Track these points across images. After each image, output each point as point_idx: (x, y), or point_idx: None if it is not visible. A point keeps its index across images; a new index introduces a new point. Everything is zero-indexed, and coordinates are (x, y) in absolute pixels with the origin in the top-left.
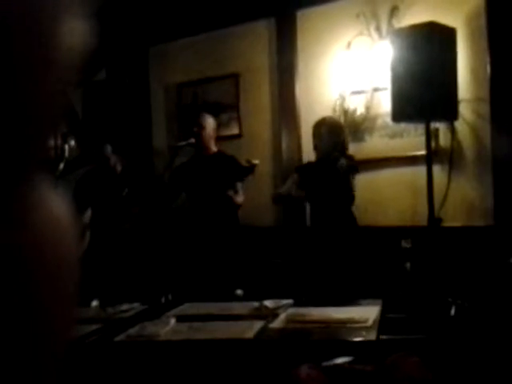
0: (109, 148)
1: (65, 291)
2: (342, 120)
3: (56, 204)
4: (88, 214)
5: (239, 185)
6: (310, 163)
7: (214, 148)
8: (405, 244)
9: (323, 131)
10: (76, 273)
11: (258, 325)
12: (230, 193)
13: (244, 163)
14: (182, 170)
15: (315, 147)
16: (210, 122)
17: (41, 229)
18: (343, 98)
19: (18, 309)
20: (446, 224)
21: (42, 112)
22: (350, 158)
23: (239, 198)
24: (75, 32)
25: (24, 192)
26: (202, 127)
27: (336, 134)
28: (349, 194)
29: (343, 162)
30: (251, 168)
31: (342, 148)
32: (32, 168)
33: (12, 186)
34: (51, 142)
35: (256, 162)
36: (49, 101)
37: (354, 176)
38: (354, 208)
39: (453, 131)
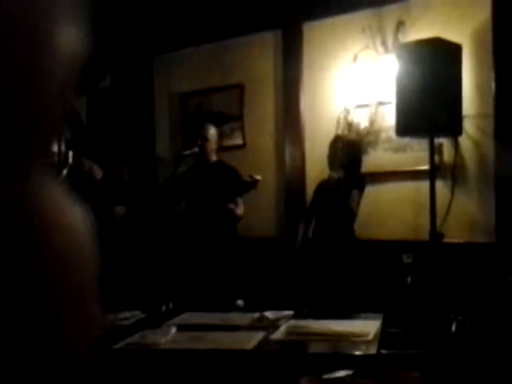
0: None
1: (79, 278)
2: (345, 133)
3: (61, 195)
4: None
5: (239, 197)
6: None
7: (214, 157)
8: (406, 258)
9: (341, 147)
10: (91, 264)
11: (258, 336)
12: (231, 206)
13: (247, 178)
14: (183, 178)
15: (328, 161)
16: (212, 133)
17: (41, 212)
18: (347, 111)
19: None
20: (448, 239)
21: (40, 112)
22: (361, 176)
23: (239, 211)
24: (73, 38)
25: (24, 181)
26: (205, 139)
27: (353, 152)
28: (349, 213)
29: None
30: (253, 183)
31: (357, 166)
32: (31, 162)
33: (12, 175)
34: (55, 148)
35: (258, 177)
36: (48, 102)
37: (359, 193)
38: (355, 223)
39: (456, 147)
